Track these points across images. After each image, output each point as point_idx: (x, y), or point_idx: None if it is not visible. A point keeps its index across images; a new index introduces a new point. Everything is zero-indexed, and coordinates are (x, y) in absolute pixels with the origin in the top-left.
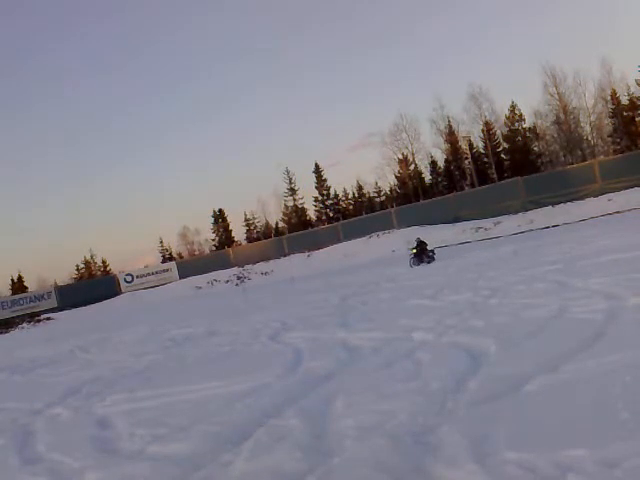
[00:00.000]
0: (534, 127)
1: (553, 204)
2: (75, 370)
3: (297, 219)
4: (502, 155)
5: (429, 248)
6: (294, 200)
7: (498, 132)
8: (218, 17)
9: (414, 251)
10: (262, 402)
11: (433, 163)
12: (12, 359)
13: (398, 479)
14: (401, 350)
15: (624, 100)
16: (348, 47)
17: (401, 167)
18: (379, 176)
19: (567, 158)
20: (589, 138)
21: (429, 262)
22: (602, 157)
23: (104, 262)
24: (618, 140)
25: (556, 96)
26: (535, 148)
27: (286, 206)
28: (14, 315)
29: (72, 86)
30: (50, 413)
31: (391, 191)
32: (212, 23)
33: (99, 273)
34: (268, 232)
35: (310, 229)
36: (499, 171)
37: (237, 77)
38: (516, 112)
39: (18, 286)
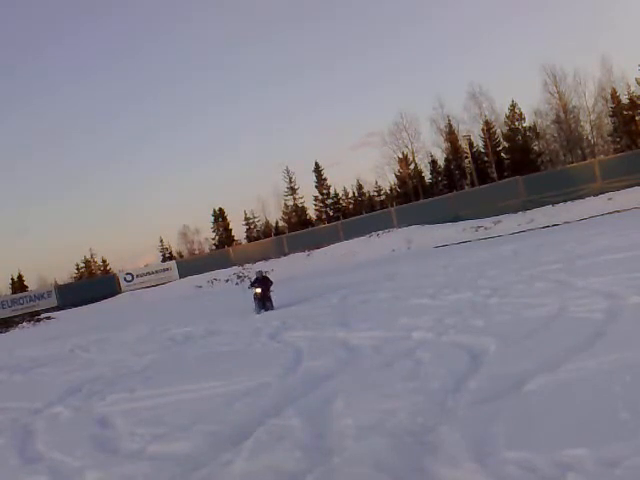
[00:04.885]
0: (534, 126)
1: (553, 203)
2: (75, 369)
3: (297, 218)
4: (502, 154)
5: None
6: (294, 199)
7: (498, 131)
8: (218, 14)
9: (257, 292)
10: (262, 401)
11: (433, 162)
12: (12, 358)
13: (398, 479)
14: (401, 349)
15: (624, 99)
16: (348, 46)
17: (401, 166)
18: (379, 175)
19: (567, 157)
20: (589, 137)
21: (268, 309)
22: (602, 156)
23: (104, 261)
24: (618, 139)
25: (556, 95)
26: (535, 147)
27: (286, 205)
28: (14, 314)
29: (71, 84)
30: (50, 412)
31: (391, 190)
32: (212, 21)
33: (99, 272)
34: (268, 231)
35: (310, 228)
36: (499, 170)
37: (237, 76)
38: (516, 111)
39: (18, 285)
